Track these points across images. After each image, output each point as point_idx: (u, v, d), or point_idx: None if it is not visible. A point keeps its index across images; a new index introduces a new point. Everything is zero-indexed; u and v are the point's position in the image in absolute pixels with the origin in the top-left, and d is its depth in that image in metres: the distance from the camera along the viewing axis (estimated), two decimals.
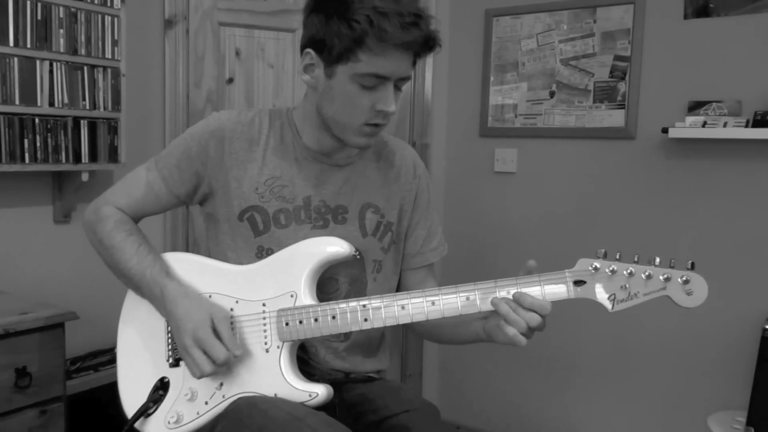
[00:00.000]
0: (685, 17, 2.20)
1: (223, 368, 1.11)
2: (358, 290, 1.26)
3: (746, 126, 2.03)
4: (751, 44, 2.10)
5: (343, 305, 1.12)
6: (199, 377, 1.11)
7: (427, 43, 1.11)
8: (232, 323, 1.15)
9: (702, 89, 2.18)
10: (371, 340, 1.33)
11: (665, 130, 2.13)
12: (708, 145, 2.18)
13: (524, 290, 1.05)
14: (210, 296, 1.19)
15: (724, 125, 2.06)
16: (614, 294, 1.04)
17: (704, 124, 2.09)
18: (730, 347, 2.18)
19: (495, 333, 1.08)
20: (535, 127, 2.52)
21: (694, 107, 2.17)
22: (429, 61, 2.66)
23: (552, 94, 2.48)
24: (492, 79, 2.61)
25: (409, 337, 2.76)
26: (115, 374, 1.26)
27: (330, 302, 1.13)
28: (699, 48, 2.18)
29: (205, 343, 1.10)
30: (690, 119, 2.12)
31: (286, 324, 1.13)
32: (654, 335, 2.31)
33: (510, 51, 2.56)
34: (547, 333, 2.72)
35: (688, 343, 2.26)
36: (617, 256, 1.05)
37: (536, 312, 1.04)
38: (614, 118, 2.35)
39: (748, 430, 1.87)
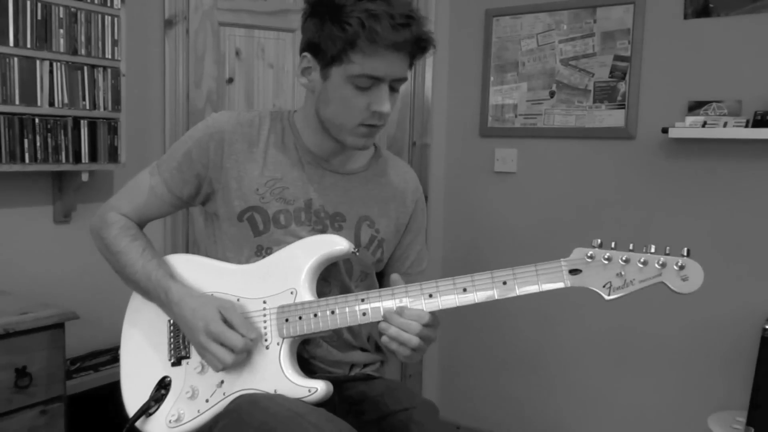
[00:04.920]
0: (685, 17, 2.20)
1: (244, 354, 1.12)
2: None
3: (746, 126, 2.03)
4: (751, 44, 2.10)
5: (341, 300, 1.12)
6: (222, 370, 1.13)
7: (419, 44, 1.13)
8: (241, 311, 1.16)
9: (702, 89, 2.18)
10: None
11: (665, 130, 2.13)
12: (708, 145, 2.18)
13: (518, 280, 1.06)
14: (212, 295, 1.20)
15: (724, 125, 2.06)
16: (610, 282, 1.03)
17: (704, 124, 2.09)
18: (730, 347, 2.18)
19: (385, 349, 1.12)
20: (535, 127, 2.52)
21: (694, 107, 2.16)
22: (429, 61, 2.66)
23: (552, 94, 2.48)
24: (492, 79, 2.61)
25: None
26: (115, 374, 1.26)
27: (328, 297, 1.14)
28: (699, 48, 2.18)
29: (220, 335, 1.11)
30: (690, 119, 2.12)
31: (286, 320, 1.14)
32: (654, 335, 2.31)
33: (510, 51, 2.56)
34: (547, 333, 2.70)
35: (688, 343, 2.25)
36: (612, 245, 1.04)
37: (415, 321, 1.06)
38: (614, 118, 2.35)
39: (748, 430, 1.87)
